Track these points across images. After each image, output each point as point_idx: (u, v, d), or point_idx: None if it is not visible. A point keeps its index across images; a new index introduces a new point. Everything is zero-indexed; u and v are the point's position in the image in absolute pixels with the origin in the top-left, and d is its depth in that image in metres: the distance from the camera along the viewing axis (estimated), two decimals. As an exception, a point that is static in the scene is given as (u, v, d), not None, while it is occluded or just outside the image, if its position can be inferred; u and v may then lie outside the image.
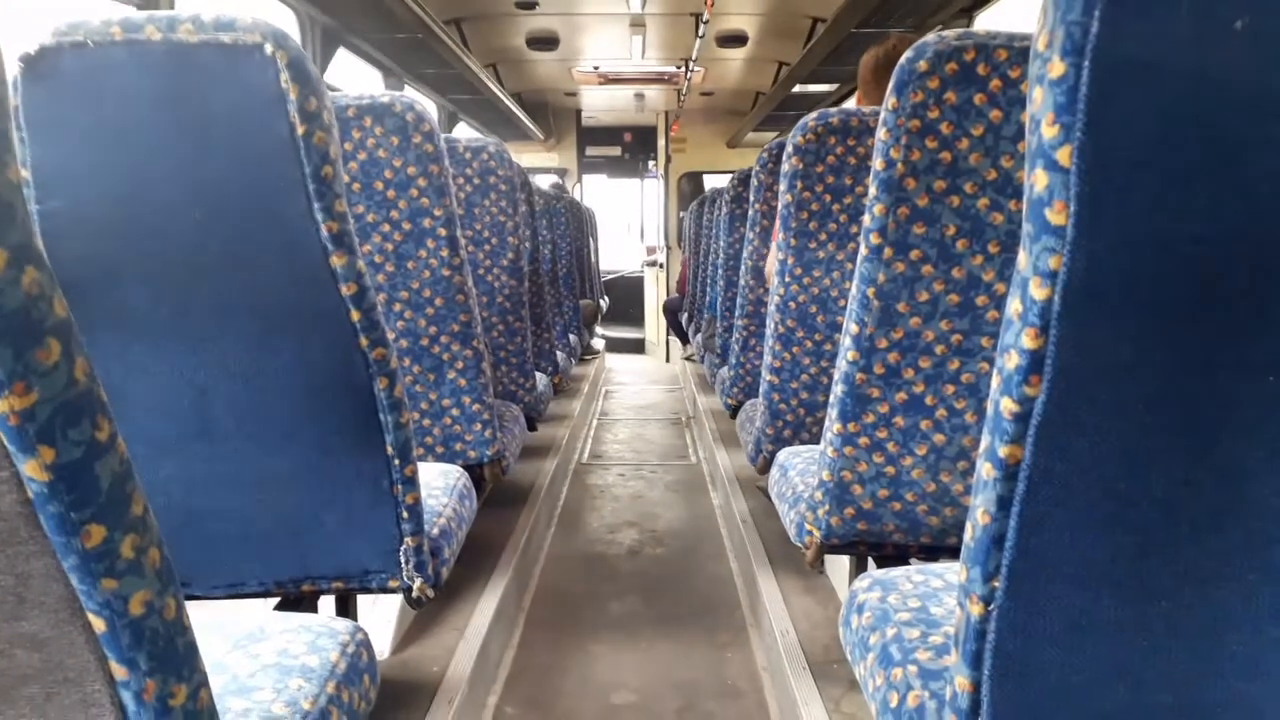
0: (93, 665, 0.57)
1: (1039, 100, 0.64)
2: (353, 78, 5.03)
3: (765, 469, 2.28)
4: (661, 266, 9.22)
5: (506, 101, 6.63)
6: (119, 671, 0.58)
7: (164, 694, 0.60)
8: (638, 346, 9.45)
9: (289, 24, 3.88)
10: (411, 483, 1.32)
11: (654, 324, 9.07)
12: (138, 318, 1.15)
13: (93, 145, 1.07)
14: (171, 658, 0.60)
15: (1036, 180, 0.65)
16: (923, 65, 1.26)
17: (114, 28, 1.03)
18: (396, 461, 1.29)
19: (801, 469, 1.83)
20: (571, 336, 4.92)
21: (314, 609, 1.47)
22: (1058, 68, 0.62)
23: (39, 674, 0.57)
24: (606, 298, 8.47)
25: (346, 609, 1.53)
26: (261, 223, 1.11)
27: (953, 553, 1.54)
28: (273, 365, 1.19)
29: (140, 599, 0.57)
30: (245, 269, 1.13)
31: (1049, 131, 0.63)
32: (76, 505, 0.52)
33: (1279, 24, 0.59)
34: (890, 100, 1.29)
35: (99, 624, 0.56)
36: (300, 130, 1.06)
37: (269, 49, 1.04)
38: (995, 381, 0.71)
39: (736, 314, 2.97)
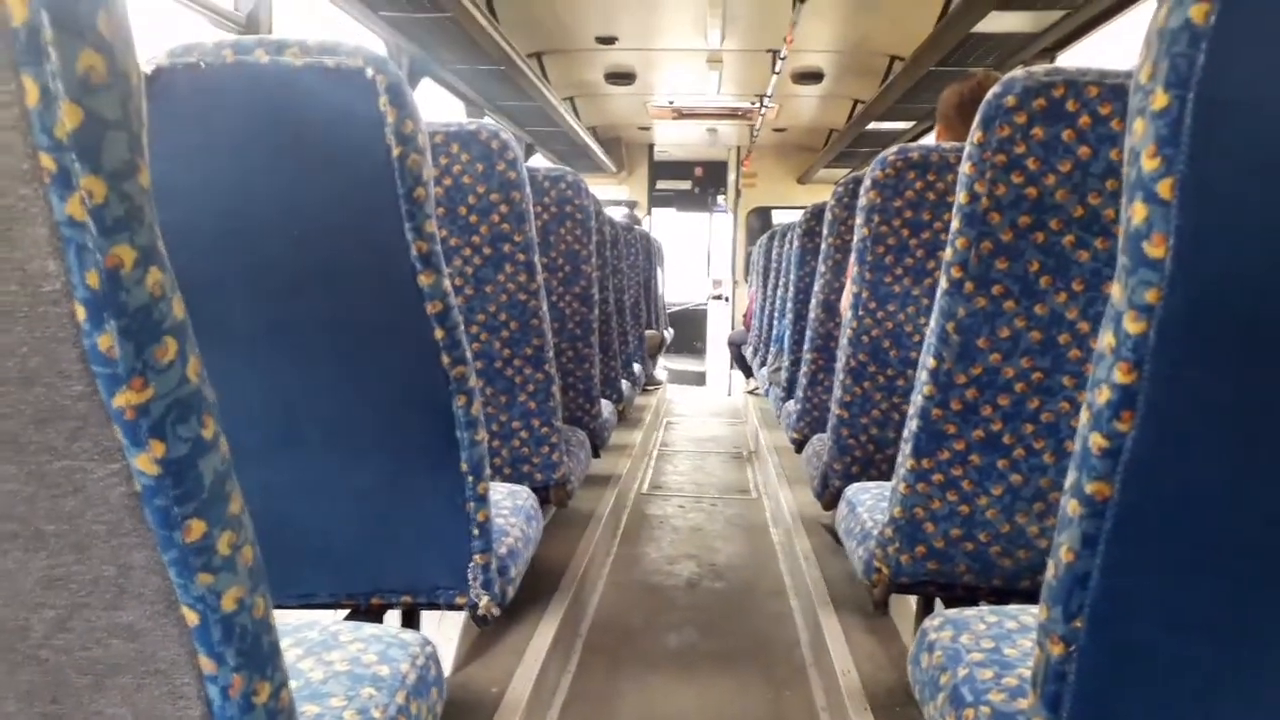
0: (183, 658, 0.59)
1: (1140, 132, 0.63)
2: (434, 109, 5.17)
3: (831, 505, 2.25)
4: (727, 300, 9.22)
5: (582, 134, 6.74)
6: (208, 666, 0.59)
7: (249, 690, 0.61)
8: (699, 379, 9.44)
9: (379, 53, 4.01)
10: (483, 501, 1.34)
11: (716, 357, 9.05)
12: (233, 329, 1.19)
13: (201, 162, 1.12)
14: (258, 655, 0.62)
15: (1135, 213, 0.63)
16: (1010, 100, 1.25)
17: (226, 50, 1.08)
18: (470, 479, 1.31)
19: (870, 505, 1.80)
20: (636, 366, 4.94)
21: (379, 622, 1.49)
22: (1161, 99, 0.61)
23: (132, 664, 0.59)
24: (671, 329, 8.49)
25: (412, 624, 1.54)
26: (355, 241, 1.15)
27: (1024, 597, 1.50)
28: (357, 379, 1.22)
29: (233, 595, 0.58)
30: (337, 285, 1.17)
31: (1149, 164, 0.62)
32: (181, 500, 0.54)
33: None
34: (976, 134, 1.28)
35: (192, 618, 0.57)
36: (396, 152, 1.10)
37: (370, 73, 1.08)
38: (1084, 416, 0.70)
39: (805, 348, 2.95)
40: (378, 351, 1.21)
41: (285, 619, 1.16)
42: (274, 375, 1.22)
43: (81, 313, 0.48)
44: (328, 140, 1.10)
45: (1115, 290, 0.66)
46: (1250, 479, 0.67)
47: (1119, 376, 0.65)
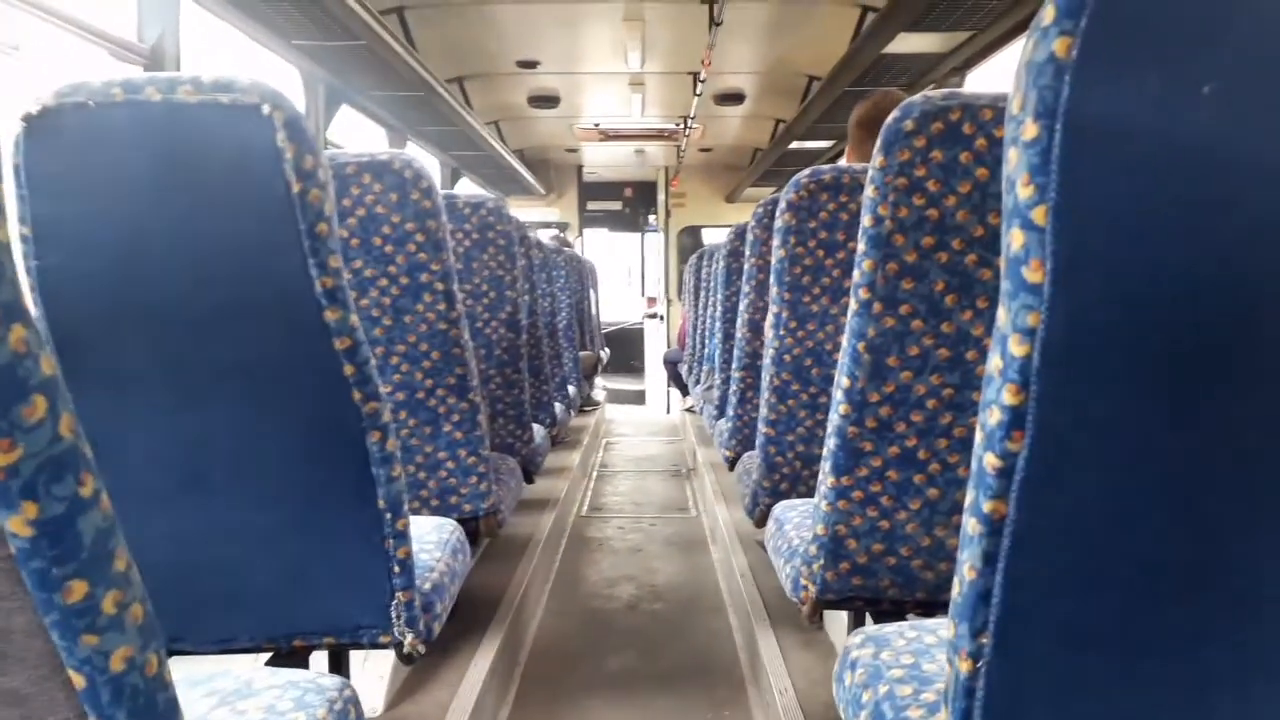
0: (72, 723, 0.57)
1: (1014, 161, 0.65)
2: (358, 134, 5.12)
3: (762, 522, 2.27)
4: (661, 319, 9.27)
5: (508, 158, 6.73)
6: None
7: None
8: (638, 398, 9.46)
9: (293, 82, 3.96)
10: (403, 537, 1.32)
11: (654, 376, 9.09)
12: (133, 371, 1.16)
13: (92, 202, 1.09)
14: (151, 714, 0.60)
15: (1013, 239, 0.66)
16: (909, 124, 1.28)
17: (115, 89, 1.05)
18: (388, 515, 1.29)
19: (797, 523, 1.82)
20: (571, 388, 4.93)
21: (305, 665, 1.45)
22: (1031, 130, 0.63)
23: (18, 732, 0.57)
24: (607, 349, 8.50)
25: (339, 665, 1.51)
26: (257, 278, 1.13)
27: (949, 609, 1.53)
28: (265, 419, 1.20)
29: (121, 655, 0.57)
30: (240, 324, 1.15)
31: (1024, 191, 0.64)
32: (59, 561, 0.52)
33: (1246, 88, 0.61)
34: (878, 159, 1.31)
35: (79, 680, 0.55)
36: (296, 188, 1.08)
37: (266, 109, 1.06)
38: (979, 437, 0.72)
39: (734, 367, 2.98)
40: (285, 390, 1.19)
41: (200, 668, 1.12)
42: (179, 418, 1.18)
43: None
44: (225, 178, 1.08)
45: (1000, 314, 0.69)
46: (1136, 493, 0.70)
47: (1007, 398, 0.68)
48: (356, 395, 1.20)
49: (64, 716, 0.57)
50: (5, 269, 0.48)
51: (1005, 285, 0.67)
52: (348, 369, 1.18)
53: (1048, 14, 0.62)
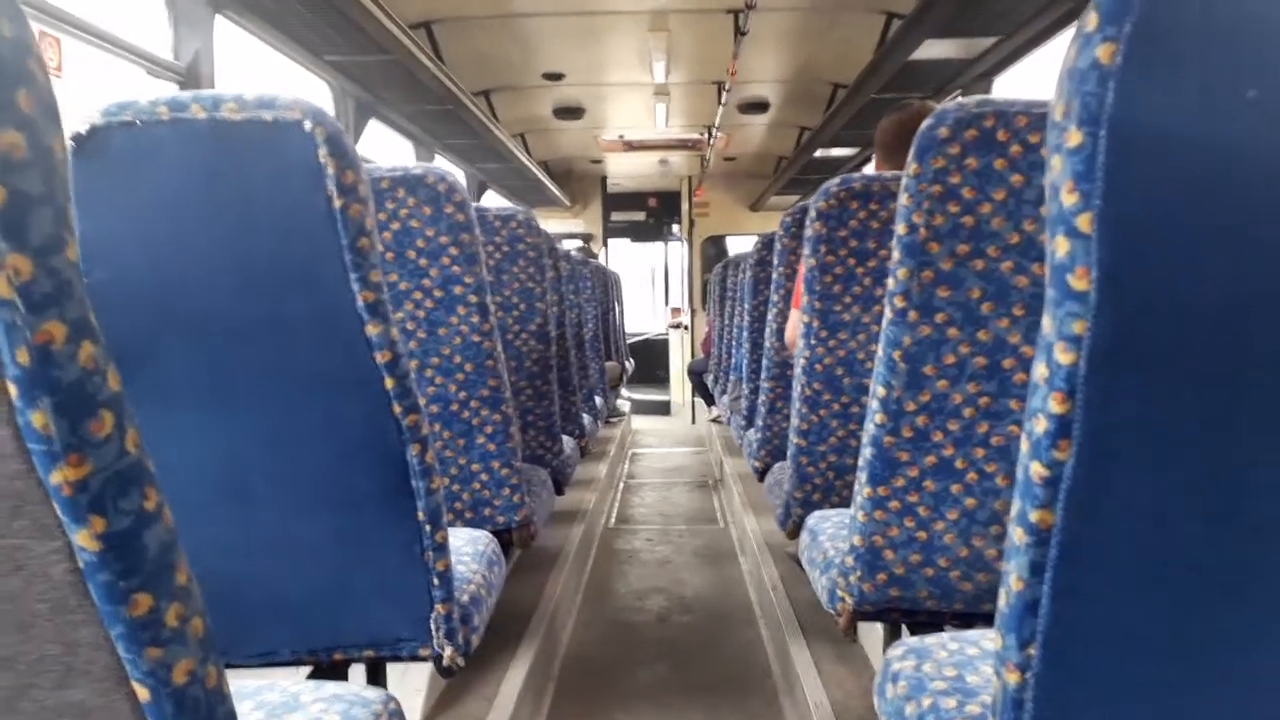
0: (135, 734, 0.58)
1: (1058, 168, 0.65)
2: (385, 147, 5.17)
3: (794, 533, 2.27)
4: (686, 329, 9.28)
5: (534, 169, 6.77)
6: None
7: None
8: (663, 409, 9.46)
9: (323, 96, 4.01)
10: (442, 549, 1.33)
11: (679, 386, 9.09)
12: (177, 385, 1.17)
13: (138, 219, 1.11)
14: None
15: (1058, 246, 0.66)
16: (943, 131, 1.28)
17: (161, 107, 1.07)
18: (427, 528, 1.30)
19: (831, 533, 1.81)
20: (597, 399, 4.94)
21: (345, 678, 1.46)
22: (1075, 137, 0.63)
23: (82, 743, 0.58)
24: (632, 360, 8.51)
25: (376, 678, 1.52)
26: (299, 292, 1.14)
27: (988, 619, 1.51)
28: (308, 432, 1.21)
29: (183, 668, 0.58)
30: (283, 337, 1.16)
31: (1069, 199, 0.64)
32: (125, 574, 0.53)
33: None
34: (912, 166, 1.31)
35: (143, 693, 0.56)
36: (337, 203, 1.10)
37: (308, 125, 1.08)
38: (1024, 446, 0.72)
39: (762, 376, 2.98)
40: (327, 403, 1.20)
41: (246, 681, 1.13)
42: (222, 431, 1.20)
43: (13, 390, 0.48)
44: (268, 194, 1.10)
45: (1045, 322, 0.68)
46: (1185, 500, 0.69)
47: (1054, 406, 0.67)
48: (397, 408, 1.21)
49: None
50: (74, 288, 0.50)
51: (1050, 293, 0.67)
52: (388, 382, 1.19)
53: (1091, 20, 0.62)
